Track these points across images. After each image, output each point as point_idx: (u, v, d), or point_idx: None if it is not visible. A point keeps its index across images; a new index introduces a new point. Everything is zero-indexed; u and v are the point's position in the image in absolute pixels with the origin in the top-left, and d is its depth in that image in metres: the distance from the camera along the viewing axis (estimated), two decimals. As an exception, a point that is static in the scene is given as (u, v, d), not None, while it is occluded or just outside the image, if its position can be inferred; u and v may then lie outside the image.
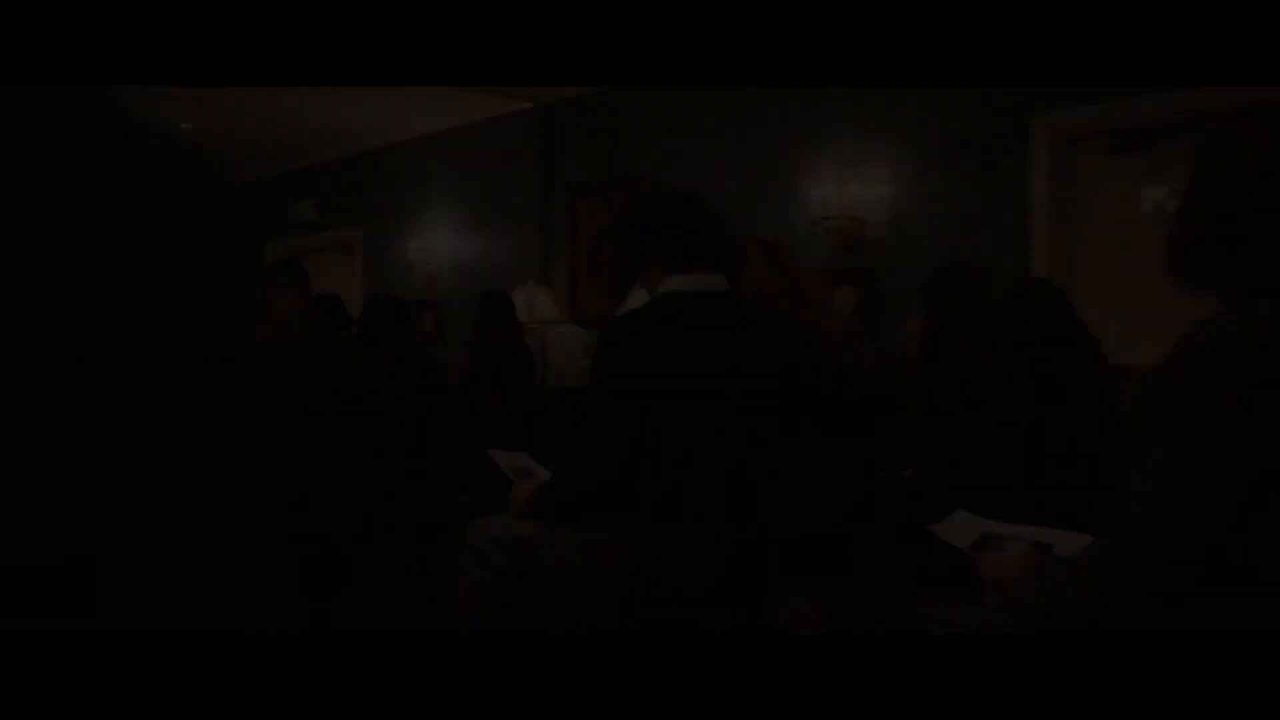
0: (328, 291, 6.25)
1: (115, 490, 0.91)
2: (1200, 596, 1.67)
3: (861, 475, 3.03)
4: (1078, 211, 5.99)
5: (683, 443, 2.64)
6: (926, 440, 3.27)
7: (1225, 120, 1.83)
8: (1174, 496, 1.65)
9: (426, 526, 4.17)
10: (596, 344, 2.82)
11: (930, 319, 3.92)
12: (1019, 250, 6.00)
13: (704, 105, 7.51)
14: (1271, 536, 1.60)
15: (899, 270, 6.51)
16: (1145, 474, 1.71)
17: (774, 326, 2.86)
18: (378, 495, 3.94)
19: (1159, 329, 2.11)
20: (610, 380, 2.73)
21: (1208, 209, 1.78)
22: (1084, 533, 2.18)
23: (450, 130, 9.54)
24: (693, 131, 7.62)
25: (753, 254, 3.18)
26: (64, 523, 0.89)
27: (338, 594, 4.12)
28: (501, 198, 9.09)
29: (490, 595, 2.95)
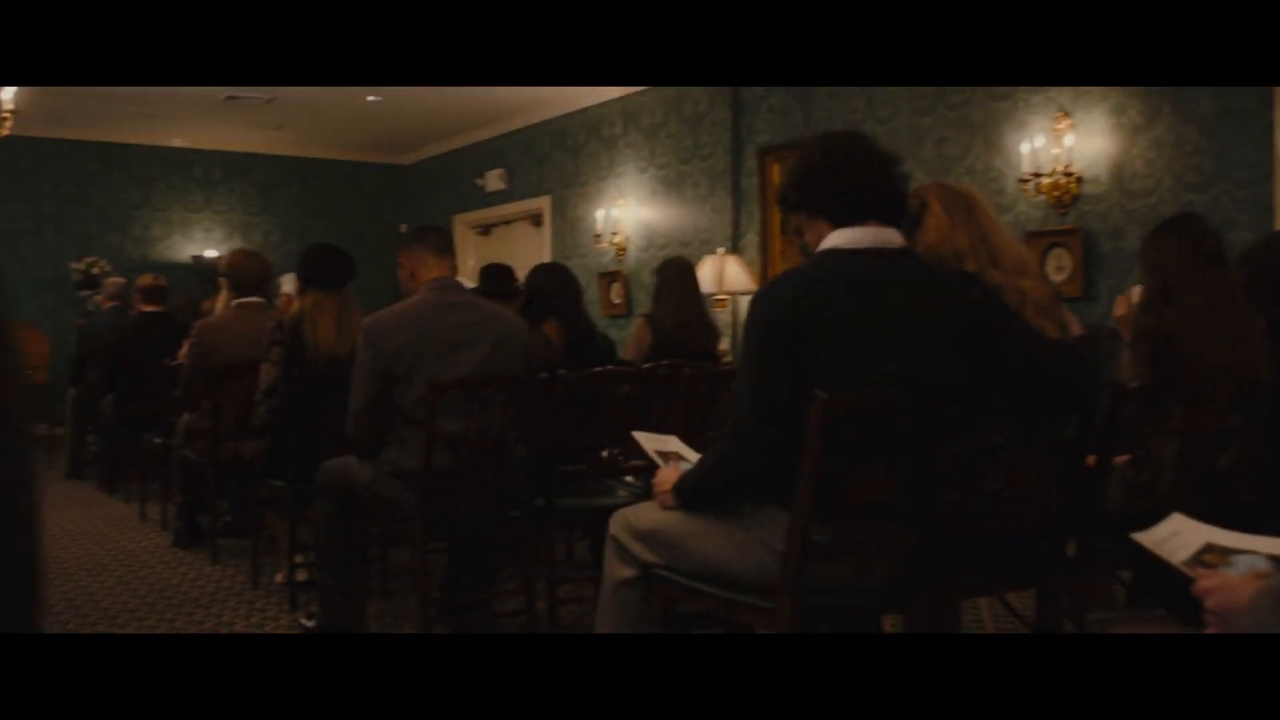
0: (498, 261, 6.05)
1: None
2: None
3: (1064, 462, 2.58)
4: (1331, 159, 5.26)
5: (847, 423, 2.26)
6: (1146, 423, 2.78)
7: None
8: None
9: (587, 512, 3.88)
10: (748, 311, 2.45)
11: (1152, 279, 3.40)
12: (1260, 205, 5.31)
13: (902, 57, 6.99)
14: None
15: (1121, 231, 5.89)
16: None
17: (955, 288, 2.42)
18: (532, 478, 3.66)
19: None
20: (761, 352, 2.36)
21: None
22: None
23: (638, 95, 9.26)
24: (889, 84, 7.10)
25: (934, 205, 2.74)
26: None
27: (491, 584, 3.88)
28: (691, 163, 8.76)
29: (633, 592, 2.63)
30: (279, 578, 4.58)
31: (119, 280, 8.67)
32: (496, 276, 5.63)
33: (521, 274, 5.41)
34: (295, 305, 4.41)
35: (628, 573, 2.62)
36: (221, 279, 5.46)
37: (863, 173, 2.41)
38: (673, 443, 2.83)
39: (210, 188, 12.64)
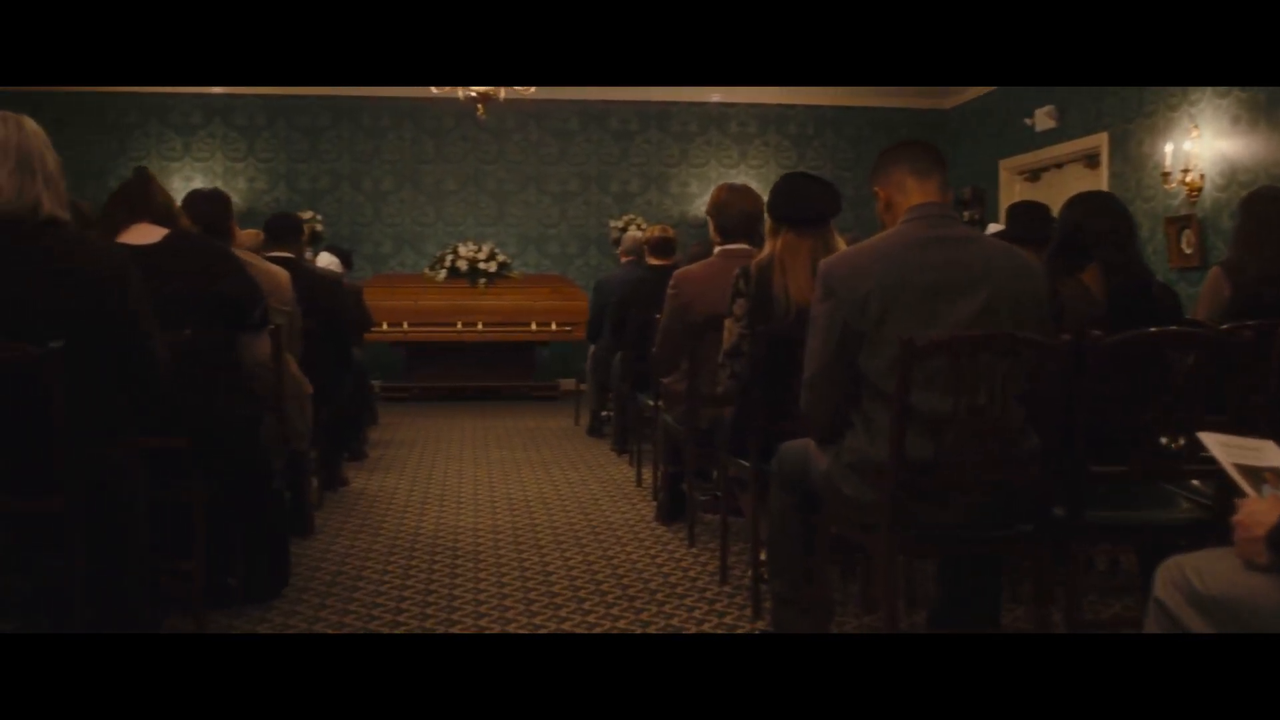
0: (1032, 200, 4.98)
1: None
2: None
3: None
4: None
5: None
6: None
7: None
8: None
9: (1129, 530, 2.81)
10: None
11: None
12: None
13: None
14: None
15: None
16: None
17: None
18: (1050, 478, 2.66)
19: None
20: None
21: None
22: None
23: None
24: None
25: None
26: None
27: (991, 619, 2.92)
28: (1290, 78, 7.05)
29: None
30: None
31: (635, 235, 8.46)
32: (1026, 218, 4.60)
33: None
34: (765, 248, 3.67)
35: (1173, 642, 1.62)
36: (708, 217, 4.79)
37: None
38: (1268, 452, 1.75)
39: (745, 141, 12.38)
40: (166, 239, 3.24)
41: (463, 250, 10.95)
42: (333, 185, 11.69)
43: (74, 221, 3.55)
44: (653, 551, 4.50)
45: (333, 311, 5.14)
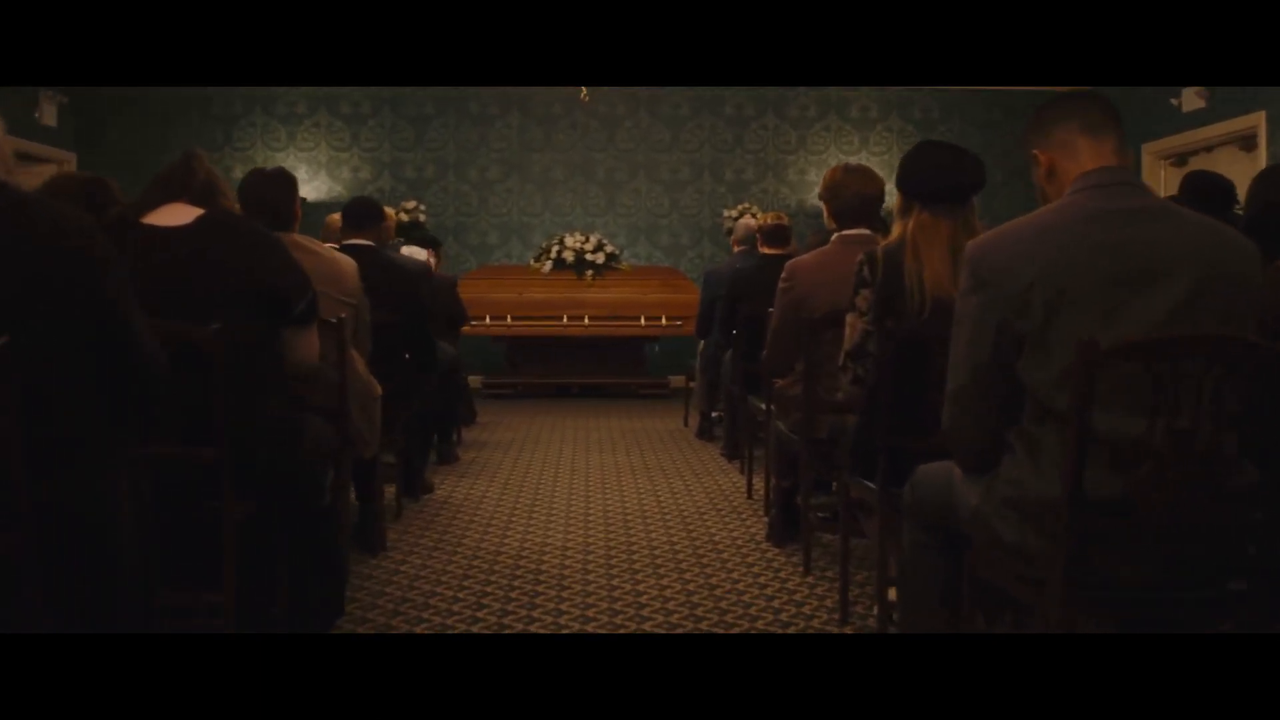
0: (1206, 170, 4.34)
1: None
2: None
3: None
4: None
5: None
6: None
7: None
8: None
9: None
10: None
11: None
12: None
13: None
14: None
15: None
16: None
17: None
18: (1275, 521, 2.08)
19: None
20: None
21: None
22: None
23: None
24: None
25: None
26: None
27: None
28: None
29: None
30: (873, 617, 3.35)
31: (748, 222, 7.91)
32: (1204, 193, 3.96)
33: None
34: (895, 230, 3.12)
35: None
36: (822, 201, 4.23)
37: None
38: None
39: (866, 127, 11.77)
40: (199, 220, 2.81)
41: (569, 241, 10.52)
42: (438, 175, 11.38)
43: (109, 206, 3.19)
44: (762, 579, 3.95)
45: (414, 304, 4.69)
